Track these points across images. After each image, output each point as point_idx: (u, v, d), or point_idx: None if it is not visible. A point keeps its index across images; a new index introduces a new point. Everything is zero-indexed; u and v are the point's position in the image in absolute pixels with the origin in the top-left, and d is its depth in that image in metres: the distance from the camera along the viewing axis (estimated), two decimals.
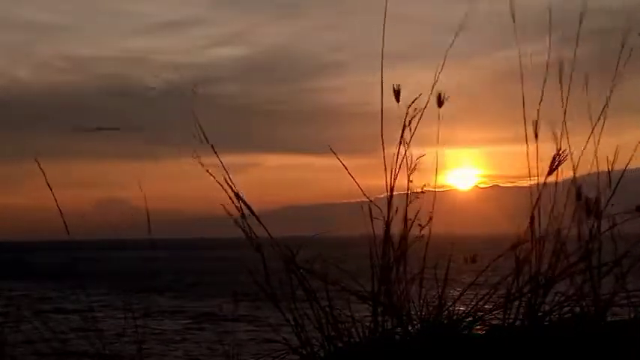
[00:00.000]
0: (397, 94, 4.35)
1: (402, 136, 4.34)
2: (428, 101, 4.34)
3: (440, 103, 4.35)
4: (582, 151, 4.33)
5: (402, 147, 4.33)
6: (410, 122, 4.32)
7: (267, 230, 4.22)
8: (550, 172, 4.27)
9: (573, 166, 4.30)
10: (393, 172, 4.32)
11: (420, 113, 4.31)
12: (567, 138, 4.28)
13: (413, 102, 4.31)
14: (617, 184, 4.31)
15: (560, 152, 4.24)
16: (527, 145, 4.34)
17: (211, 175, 4.21)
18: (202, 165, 4.19)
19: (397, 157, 4.32)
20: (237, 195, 4.23)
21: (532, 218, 4.28)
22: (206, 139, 4.23)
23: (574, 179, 4.31)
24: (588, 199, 4.28)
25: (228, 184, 4.23)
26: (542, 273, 4.23)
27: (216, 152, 4.25)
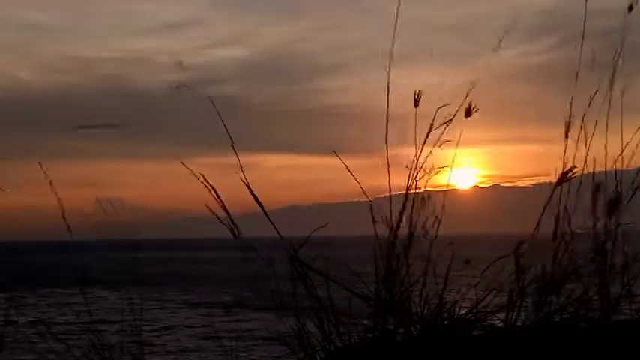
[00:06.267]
0: (417, 100, 4.38)
1: (426, 138, 4.37)
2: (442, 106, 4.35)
3: (468, 113, 4.37)
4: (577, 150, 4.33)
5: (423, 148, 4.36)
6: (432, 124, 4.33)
7: (276, 229, 4.24)
8: (557, 185, 4.28)
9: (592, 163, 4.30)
10: (412, 174, 4.34)
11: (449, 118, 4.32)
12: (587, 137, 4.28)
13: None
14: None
15: (570, 171, 4.26)
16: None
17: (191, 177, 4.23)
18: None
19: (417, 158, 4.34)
20: (253, 195, 4.27)
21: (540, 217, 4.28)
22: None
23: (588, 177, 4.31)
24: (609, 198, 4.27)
25: (244, 183, 4.26)
26: (549, 274, 4.22)
27: (236, 152, 4.32)
